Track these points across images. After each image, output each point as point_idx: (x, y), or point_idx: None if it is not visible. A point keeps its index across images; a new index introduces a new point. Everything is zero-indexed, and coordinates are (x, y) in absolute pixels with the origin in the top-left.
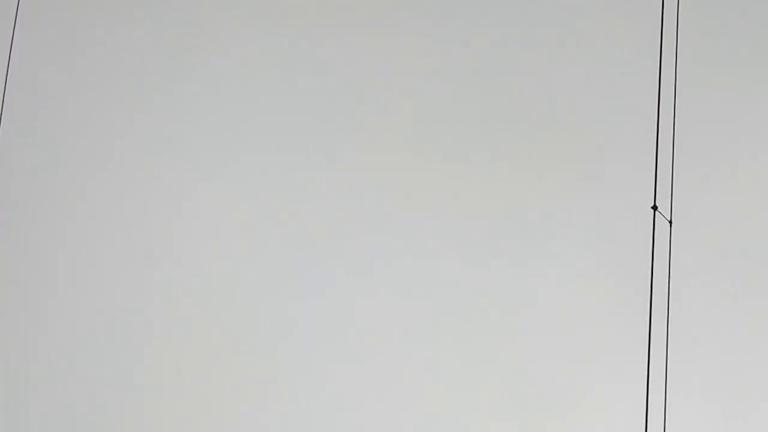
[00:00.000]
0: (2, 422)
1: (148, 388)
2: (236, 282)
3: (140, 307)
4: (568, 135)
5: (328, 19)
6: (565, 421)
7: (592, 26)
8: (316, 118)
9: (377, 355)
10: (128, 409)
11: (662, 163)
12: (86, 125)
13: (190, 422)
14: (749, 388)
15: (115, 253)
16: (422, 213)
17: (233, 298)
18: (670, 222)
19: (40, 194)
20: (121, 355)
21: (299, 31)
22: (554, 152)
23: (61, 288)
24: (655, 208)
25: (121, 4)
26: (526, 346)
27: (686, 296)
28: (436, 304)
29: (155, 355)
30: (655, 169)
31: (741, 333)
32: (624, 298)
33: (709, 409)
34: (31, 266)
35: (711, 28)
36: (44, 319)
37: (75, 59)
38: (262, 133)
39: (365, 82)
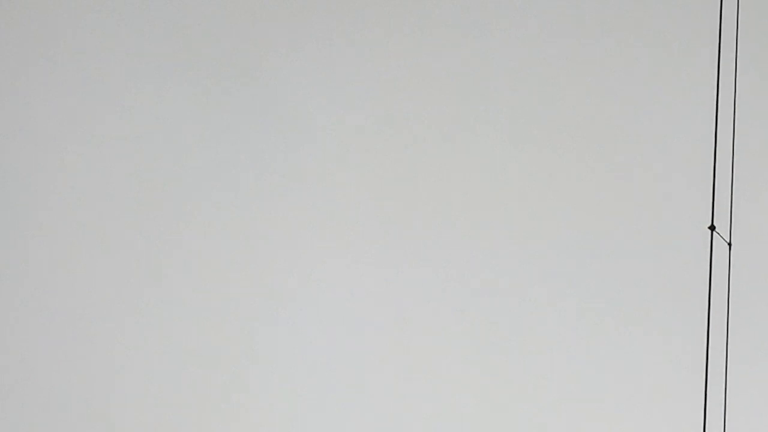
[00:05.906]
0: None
1: (146, 389)
2: (235, 283)
3: (137, 311)
4: (622, 150)
5: (335, 20)
6: None
7: (649, 43)
8: (319, 120)
9: (389, 358)
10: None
11: (720, 179)
12: (85, 124)
13: (191, 423)
14: None
15: (116, 253)
16: (466, 230)
17: (233, 300)
18: (729, 244)
19: (40, 194)
20: (122, 355)
21: (304, 30)
22: (607, 169)
23: (55, 288)
24: (712, 228)
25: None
26: (577, 372)
27: (746, 323)
28: (480, 317)
29: (152, 356)
30: (712, 185)
31: None
32: (680, 324)
33: None
34: (28, 267)
35: None
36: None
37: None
38: (262, 134)
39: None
